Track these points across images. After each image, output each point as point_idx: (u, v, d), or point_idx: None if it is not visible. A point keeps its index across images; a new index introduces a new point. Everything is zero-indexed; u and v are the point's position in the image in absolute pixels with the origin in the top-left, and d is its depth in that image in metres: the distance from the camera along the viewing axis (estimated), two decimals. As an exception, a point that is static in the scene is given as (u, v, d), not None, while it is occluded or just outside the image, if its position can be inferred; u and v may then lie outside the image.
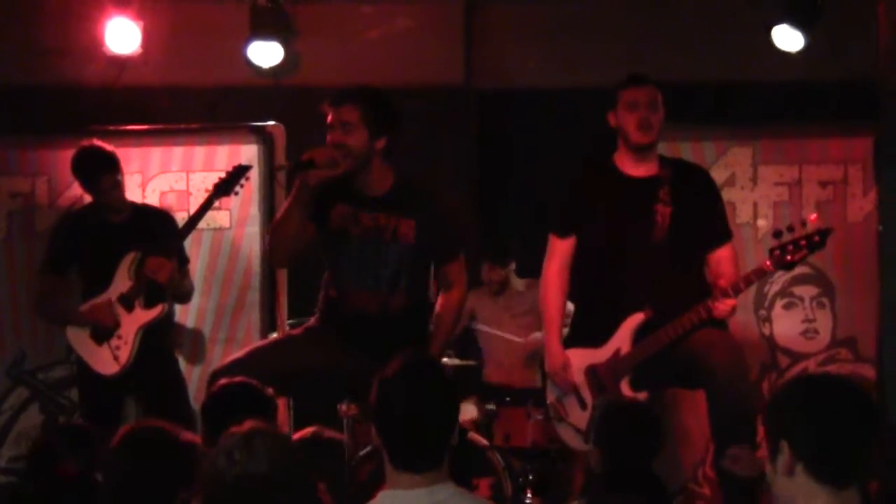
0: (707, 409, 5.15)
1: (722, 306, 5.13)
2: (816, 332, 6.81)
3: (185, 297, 6.33)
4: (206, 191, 6.14)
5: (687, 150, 6.53)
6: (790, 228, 5.10)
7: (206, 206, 6.05)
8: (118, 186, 6.11)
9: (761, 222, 6.82)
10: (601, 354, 5.32)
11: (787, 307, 6.80)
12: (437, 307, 5.26)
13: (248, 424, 3.12)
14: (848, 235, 6.73)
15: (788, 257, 5.08)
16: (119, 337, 6.04)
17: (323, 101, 5.12)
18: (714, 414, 5.12)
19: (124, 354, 6.03)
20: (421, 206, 5.12)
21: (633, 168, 5.34)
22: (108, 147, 6.13)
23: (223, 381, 4.34)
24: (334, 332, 5.23)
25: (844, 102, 6.76)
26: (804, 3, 6.84)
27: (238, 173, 6.11)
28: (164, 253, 6.00)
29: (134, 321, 6.05)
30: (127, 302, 6.04)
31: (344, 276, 5.19)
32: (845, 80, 6.73)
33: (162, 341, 6.21)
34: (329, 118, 5.09)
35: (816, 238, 5.08)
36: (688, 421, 6.28)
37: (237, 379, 4.33)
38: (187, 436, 3.43)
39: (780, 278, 6.72)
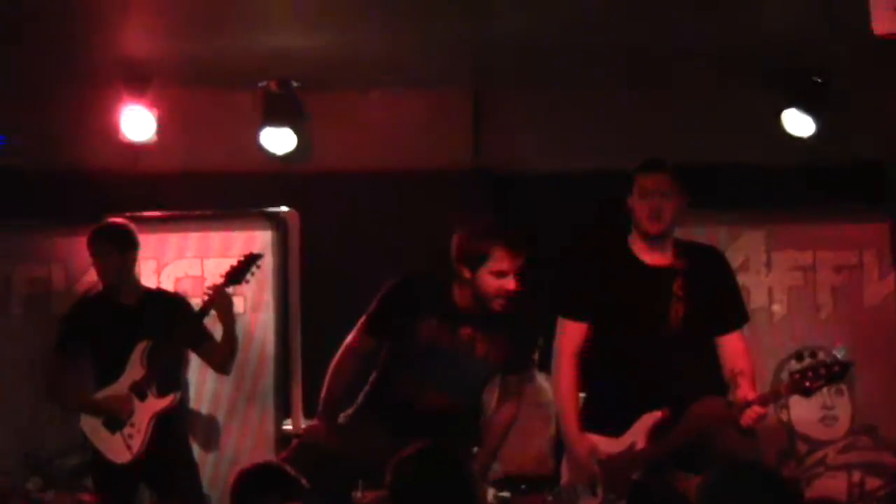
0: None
1: (753, 414, 5.11)
2: (835, 418, 6.76)
3: (227, 367, 6.32)
4: (221, 276, 6.17)
5: (701, 235, 6.54)
6: (813, 354, 5.17)
7: (216, 296, 6.09)
8: (109, 259, 6.12)
9: (776, 307, 6.81)
10: (616, 445, 5.27)
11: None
12: (496, 415, 5.49)
13: None
14: (866, 320, 6.71)
15: (807, 384, 5.08)
16: (132, 426, 6.04)
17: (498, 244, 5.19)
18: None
19: (137, 443, 6.03)
20: (514, 322, 5.28)
21: (648, 254, 5.31)
22: (123, 223, 6.19)
23: (251, 463, 4.37)
24: (381, 423, 5.31)
25: (857, 186, 6.79)
26: (813, 88, 6.89)
27: (249, 262, 6.16)
28: (176, 340, 6.02)
29: (147, 410, 6.05)
30: (140, 390, 6.05)
31: (423, 383, 5.31)
32: (857, 163, 6.76)
33: (176, 428, 6.20)
34: (509, 264, 5.18)
35: (836, 369, 5.09)
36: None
37: (264, 461, 4.35)
38: None
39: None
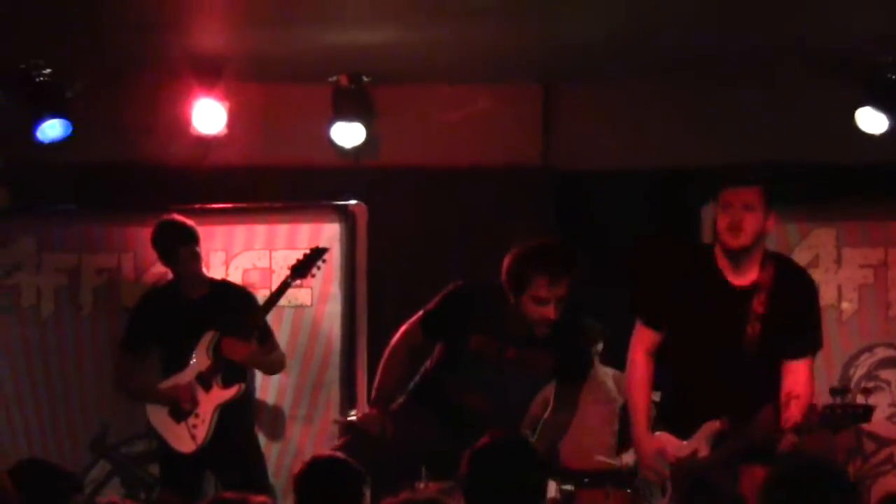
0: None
1: (787, 442, 5.10)
2: (904, 416, 6.71)
3: (274, 368, 6.38)
4: (287, 269, 6.23)
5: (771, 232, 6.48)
6: (846, 390, 5.19)
7: (282, 289, 6.19)
8: (196, 258, 6.20)
9: (845, 305, 6.73)
10: (683, 449, 5.26)
11: (872, 391, 6.68)
12: (549, 421, 5.49)
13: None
14: (935, 317, 6.64)
15: (835, 421, 5.08)
16: (197, 415, 6.12)
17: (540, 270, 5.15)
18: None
19: (201, 433, 6.10)
20: (568, 342, 5.33)
21: (731, 271, 5.22)
22: (187, 220, 6.25)
23: (315, 455, 4.42)
24: (429, 416, 5.39)
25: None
26: (887, 86, 6.81)
27: (315, 256, 6.21)
28: (241, 333, 6.07)
29: (212, 400, 6.13)
30: (205, 381, 6.13)
31: (469, 388, 5.36)
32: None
33: (242, 418, 6.27)
34: (547, 292, 5.15)
35: (860, 410, 5.08)
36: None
37: (328, 453, 4.39)
38: (257, 499, 3.45)
39: (865, 361, 6.64)
